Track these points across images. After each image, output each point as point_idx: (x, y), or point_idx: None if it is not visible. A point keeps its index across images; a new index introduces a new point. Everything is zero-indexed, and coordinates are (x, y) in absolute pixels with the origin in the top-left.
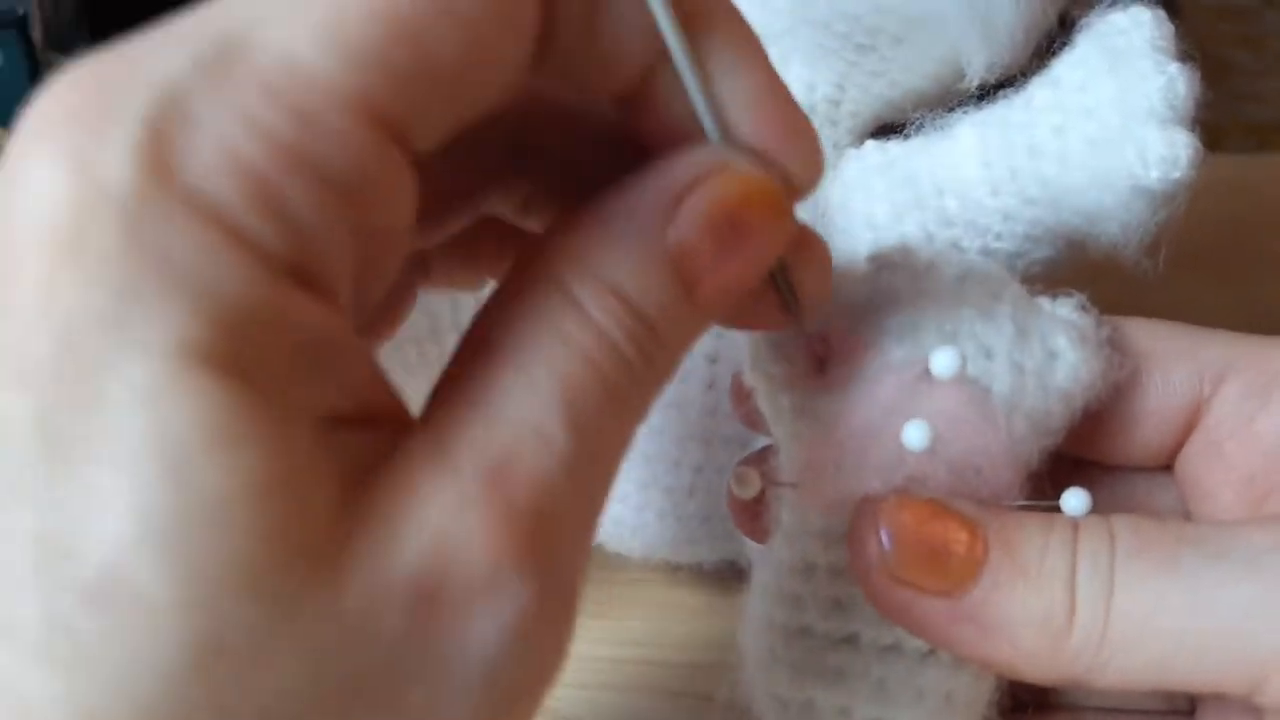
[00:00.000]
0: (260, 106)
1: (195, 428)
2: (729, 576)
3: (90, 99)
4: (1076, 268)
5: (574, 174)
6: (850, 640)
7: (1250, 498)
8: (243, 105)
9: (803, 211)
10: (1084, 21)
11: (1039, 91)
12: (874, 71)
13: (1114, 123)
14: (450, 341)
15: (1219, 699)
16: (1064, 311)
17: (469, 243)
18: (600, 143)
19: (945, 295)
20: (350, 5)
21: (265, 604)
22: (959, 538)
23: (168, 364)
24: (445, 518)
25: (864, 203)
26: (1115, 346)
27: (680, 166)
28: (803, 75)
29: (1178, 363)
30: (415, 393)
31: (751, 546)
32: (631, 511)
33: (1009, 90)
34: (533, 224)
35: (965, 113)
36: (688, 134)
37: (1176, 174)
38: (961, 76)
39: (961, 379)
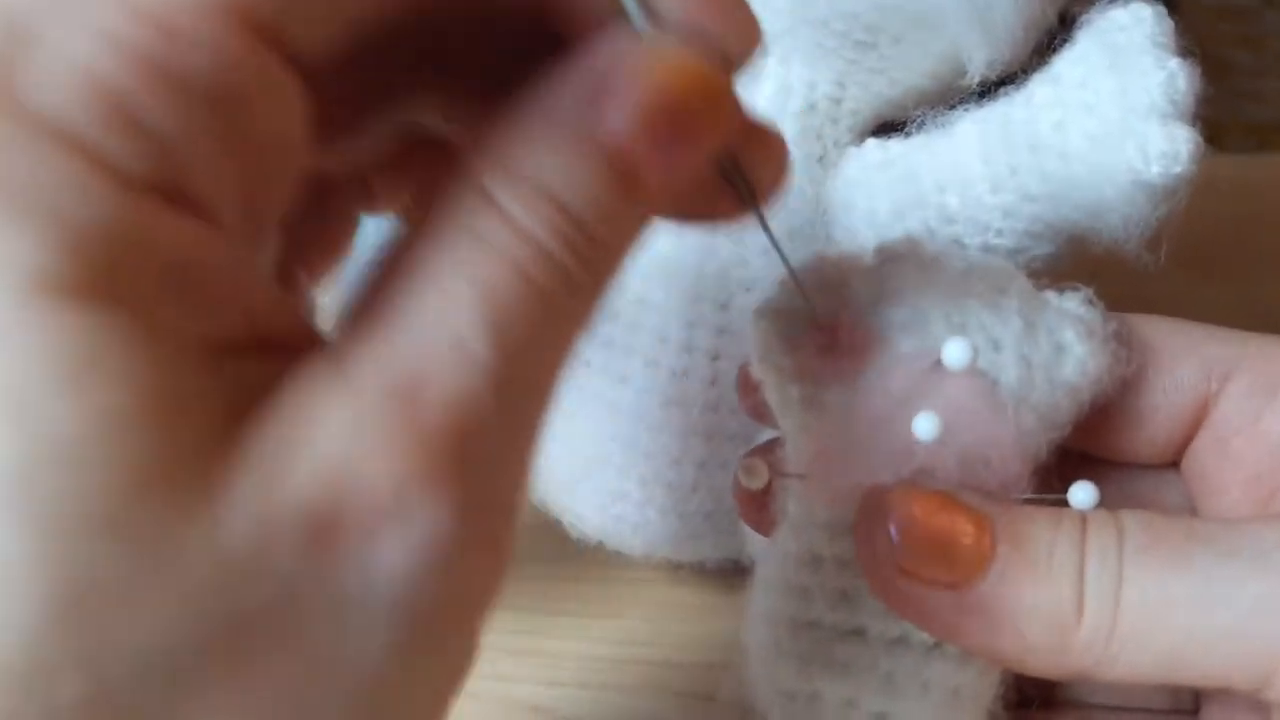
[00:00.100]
0: (115, 19)
1: (44, 364)
2: (731, 576)
3: None
4: (1078, 264)
5: (495, 77)
6: (857, 632)
7: (1257, 495)
8: (96, 20)
9: (803, 211)
10: (1084, 18)
11: (1039, 88)
12: (874, 69)
13: (1115, 118)
14: None
15: (1225, 695)
16: (1071, 305)
17: (405, 161)
18: (519, 36)
19: (952, 288)
20: None
21: (127, 544)
22: (967, 530)
23: (13, 296)
24: (341, 442)
25: (865, 200)
26: (1122, 341)
27: (604, 53)
28: (803, 74)
29: (1184, 359)
30: None
31: (755, 541)
32: (633, 508)
33: (1009, 87)
34: (463, 135)
35: (966, 110)
36: (609, 16)
37: (1177, 169)
38: (962, 74)
39: (972, 370)
